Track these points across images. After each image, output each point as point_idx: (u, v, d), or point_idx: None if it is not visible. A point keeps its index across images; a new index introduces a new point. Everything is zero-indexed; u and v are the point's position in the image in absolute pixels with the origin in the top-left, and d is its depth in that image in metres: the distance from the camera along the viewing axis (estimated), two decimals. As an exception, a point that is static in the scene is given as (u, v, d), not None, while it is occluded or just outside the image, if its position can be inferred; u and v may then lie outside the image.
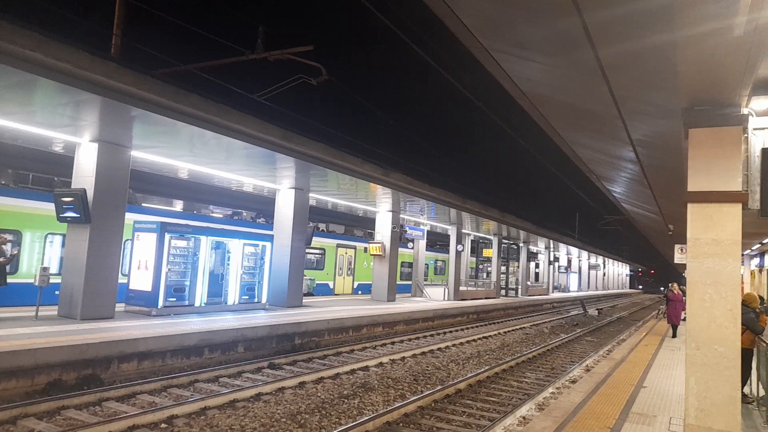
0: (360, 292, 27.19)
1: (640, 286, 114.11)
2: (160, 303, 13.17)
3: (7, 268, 12.09)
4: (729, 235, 5.16)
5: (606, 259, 68.90)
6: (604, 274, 74.09)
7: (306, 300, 19.48)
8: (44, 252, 14.31)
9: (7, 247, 12.54)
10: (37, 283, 11.36)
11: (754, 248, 22.19)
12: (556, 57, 5.13)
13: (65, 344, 8.76)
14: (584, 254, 57.48)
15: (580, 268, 60.80)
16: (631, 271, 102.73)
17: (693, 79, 4.97)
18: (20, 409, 7.15)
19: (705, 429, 4.95)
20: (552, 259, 46.88)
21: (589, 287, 63.52)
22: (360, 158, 15.37)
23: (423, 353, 13.96)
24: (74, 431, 6.51)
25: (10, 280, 12.31)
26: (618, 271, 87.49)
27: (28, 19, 7.65)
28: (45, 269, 11.59)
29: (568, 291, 52.91)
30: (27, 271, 13.63)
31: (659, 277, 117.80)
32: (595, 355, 14.75)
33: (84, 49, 8.24)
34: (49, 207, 12.35)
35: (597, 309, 33.87)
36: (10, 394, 7.85)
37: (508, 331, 20.30)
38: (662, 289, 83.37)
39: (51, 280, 11.73)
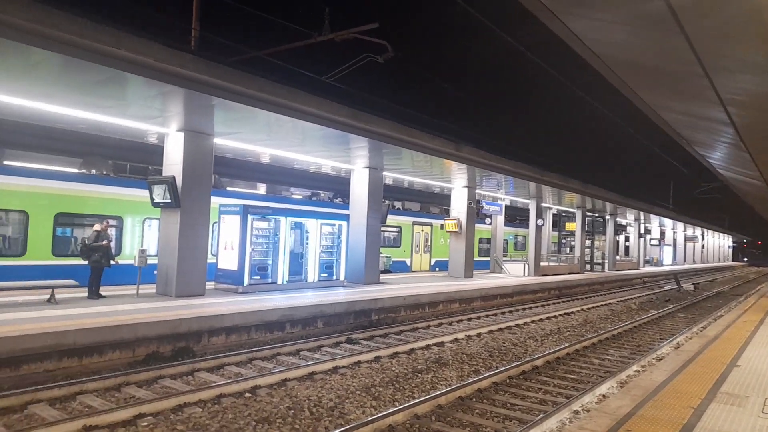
0: (437, 269, 27.21)
1: (745, 259, 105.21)
2: (246, 281, 13.94)
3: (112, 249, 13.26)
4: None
5: (704, 230, 63.99)
6: (703, 246, 68.96)
7: (383, 277, 19.80)
8: (143, 235, 15.59)
9: (111, 232, 13.73)
10: (136, 264, 12.41)
11: None
12: (623, 10, 4.77)
13: (161, 319, 9.55)
14: (679, 225, 53.78)
15: (675, 240, 57.01)
16: (734, 242, 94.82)
17: (785, 27, 4.46)
18: (123, 377, 7.92)
19: (801, 410, 4.55)
20: (643, 231, 44.26)
21: (685, 260, 59.50)
22: (430, 134, 15.23)
23: (500, 329, 13.81)
24: (170, 398, 7.12)
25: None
26: (719, 242, 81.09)
27: (112, 18, 8.23)
28: (143, 251, 12.60)
29: (662, 265, 49.87)
30: (129, 253, 14.91)
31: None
32: (686, 332, 13.89)
33: (162, 43, 8.75)
34: (146, 194, 13.36)
35: (693, 284, 31.74)
36: (114, 364, 8.70)
37: (592, 308, 19.56)
38: (772, 260, 76.38)
39: (148, 261, 12.75)
